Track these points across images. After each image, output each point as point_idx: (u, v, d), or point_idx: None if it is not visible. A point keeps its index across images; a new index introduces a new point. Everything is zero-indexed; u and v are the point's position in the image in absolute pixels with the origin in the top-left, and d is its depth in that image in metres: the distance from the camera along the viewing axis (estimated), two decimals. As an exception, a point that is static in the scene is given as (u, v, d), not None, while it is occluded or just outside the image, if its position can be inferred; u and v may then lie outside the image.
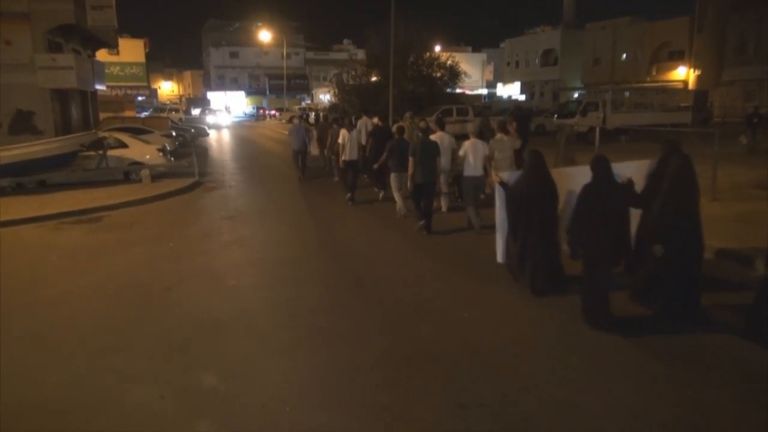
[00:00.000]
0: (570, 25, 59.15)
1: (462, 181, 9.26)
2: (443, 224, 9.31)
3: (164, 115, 36.46)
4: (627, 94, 28.39)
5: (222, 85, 72.45)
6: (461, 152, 8.90)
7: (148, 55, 45.28)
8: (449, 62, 30.60)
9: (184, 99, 68.83)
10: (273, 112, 58.74)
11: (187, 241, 8.95)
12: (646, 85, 42.94)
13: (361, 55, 36.04)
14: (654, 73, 47.64)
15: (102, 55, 29.32)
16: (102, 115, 26.11)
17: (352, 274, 7.09)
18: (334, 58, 67.54)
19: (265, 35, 57.73)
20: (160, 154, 15.41)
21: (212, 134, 34.40)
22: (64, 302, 6.24)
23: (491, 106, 35.24)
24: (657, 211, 5.45)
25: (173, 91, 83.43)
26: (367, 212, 10.84)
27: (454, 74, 30.69)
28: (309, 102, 64.68)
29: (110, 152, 14.54)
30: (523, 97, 61.11)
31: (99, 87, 25.95)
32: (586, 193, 5.28)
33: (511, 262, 6.42)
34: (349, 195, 11.54)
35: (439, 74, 30.10)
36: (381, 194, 11.72)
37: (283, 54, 58.94)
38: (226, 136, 35.76)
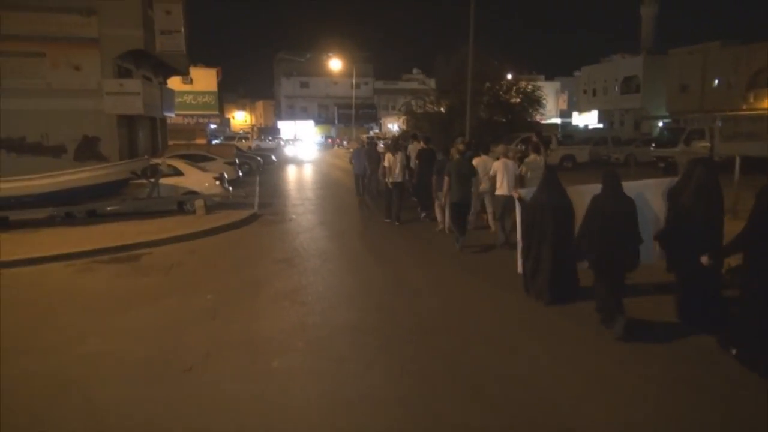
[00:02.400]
0: (652, 51, 55.75)
1: (493, 200, 10.09)
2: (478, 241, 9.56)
3: (233, 143, 36.10)
4: (719, 123, 25.42)
5: (292, 115, 73.11)
6: (491, 172, 9.47)
7: (221, 85, 45.85)
8: (529, 87, 28.42)
9: (255, 128, 69.94)
10: (341, 140, 58.46)
11: (229, 291, 7.30)
12: (745, 113, 39.05)
13: (431, 84, 34.51)
14: (751, 100, 43.32)
15: (176, 83, 29.29)
16: (171, 143, 25.73)
17: (431, 350, 5.18)
18: (402, 88, 66.53)
19: (335, 64, 57.62)
20: (218, 182, 14.14)
21: (288, 166, 33.56)
22: (49, 380, 4.63)
23: (573, 135, 32.70)
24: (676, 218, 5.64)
25: (246, 121, 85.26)
26: (421, 241, 10.53)
27: (533, 101, 28.43)
28: (377, 131, 63.95)
29: (165, 180, 13.37)
30: (600, 126, 57.86)
31: (168, 114, 25.59)
32: (594, 203, 5.55)
33: (524, 273, 6.62)
34: (388, 220, 12.10)
35: (518, 100, 27.94)
36: (422, 215, 12.40)
37: (352, 84, 58.54)
38: (295, 165, 34.83)
